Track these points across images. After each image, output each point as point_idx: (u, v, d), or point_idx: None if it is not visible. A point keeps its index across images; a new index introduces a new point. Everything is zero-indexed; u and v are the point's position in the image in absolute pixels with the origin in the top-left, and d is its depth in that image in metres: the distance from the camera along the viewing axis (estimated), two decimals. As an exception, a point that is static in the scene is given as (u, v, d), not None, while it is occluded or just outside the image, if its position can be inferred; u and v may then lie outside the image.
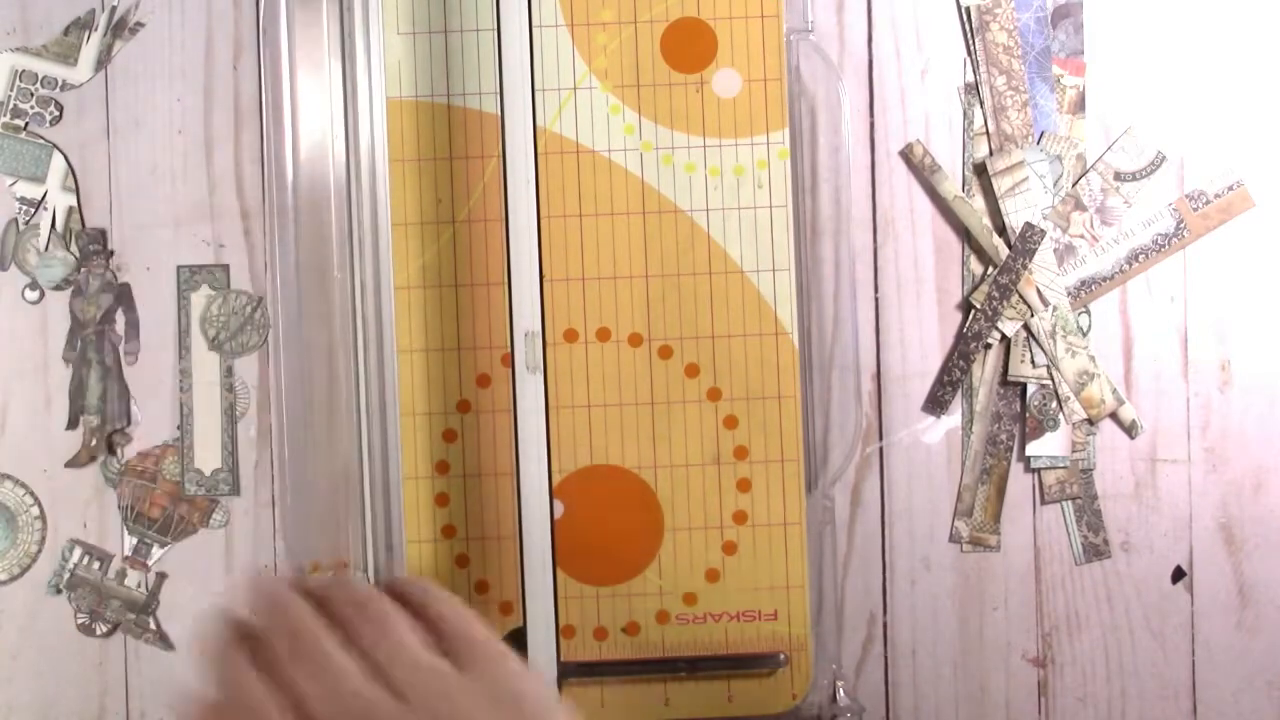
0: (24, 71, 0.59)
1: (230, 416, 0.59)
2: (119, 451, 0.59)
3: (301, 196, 0.57)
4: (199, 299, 0.59)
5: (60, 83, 0.59)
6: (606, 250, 0.58)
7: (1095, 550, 0.60)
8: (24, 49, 0.59)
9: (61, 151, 0.59)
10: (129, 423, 0.59)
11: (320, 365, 0.57)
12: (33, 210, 0.59)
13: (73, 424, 0.59)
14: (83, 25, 0.59)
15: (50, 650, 0.60)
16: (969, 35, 0.60)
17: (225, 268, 0.59)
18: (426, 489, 0.58)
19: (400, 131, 0.58)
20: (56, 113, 0.59)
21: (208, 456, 0.60)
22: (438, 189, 0.58)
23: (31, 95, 0.59)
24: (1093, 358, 0.60)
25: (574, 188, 0.58)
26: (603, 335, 0.58)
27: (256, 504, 0.60)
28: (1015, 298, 0.59)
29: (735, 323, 0.58)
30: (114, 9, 0.60)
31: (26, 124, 0.59)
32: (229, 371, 0.59)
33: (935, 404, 0.60)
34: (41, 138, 0.59)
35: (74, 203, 0.59)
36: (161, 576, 0.60)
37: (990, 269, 0.60)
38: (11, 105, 0.59)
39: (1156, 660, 0.60)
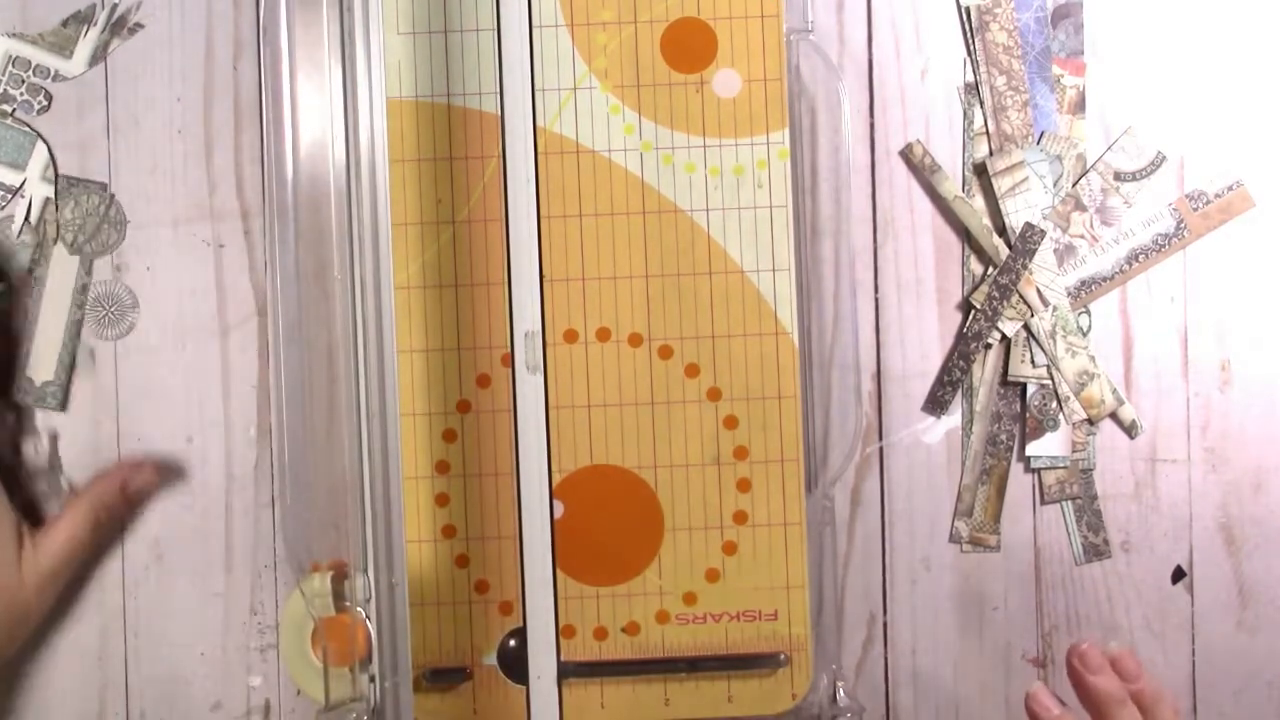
0: (17, 58, 0.59)
1: (75, 332, 0.59)
2: None
3: (301, 196, 0.57)
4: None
5: (53, 73, 0.59)
6: (606, 250, 0.58)
7: (1095, 550, 0.60)
8: (20, 35, 0.59)
9: (45, 142, 0.59)
10: None
11: (320, 365, 0.57)
12: (9, 197, 0.59)
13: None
14: (82, 20, 0.59)
15: (50, 649, 0.60)
16: (969, 35, 0.60)
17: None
18: (426, 489, 0.58)
19: (400, 131, 0.58)
20: (45, 102, 0.59)
21: (41, 366, 0.59)
22: (438, 189, 0.58)
23: (22, 82, 0.59)
24: (1093, 358, 0.60)
25: (574, 188, 0.58)
26: (603, 335, 0.58)
27: (256, 504, 0.60)
28: (1015, 298, 0.59)
29: (735, 323, 0.58)
30: (114, 7, 0.60)
31: (14, 110, 0.59)
32: (83, 290, 0.59)
33: (935, 404, 0.60)
34: (27, 126, 0.59)
35: (51, 194, 0.59)
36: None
37: (990, 269, 0.60)
38: (1, 90, 0.59)
39: (1156, 660, 0.60)
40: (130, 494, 0.58)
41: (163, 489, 0.60)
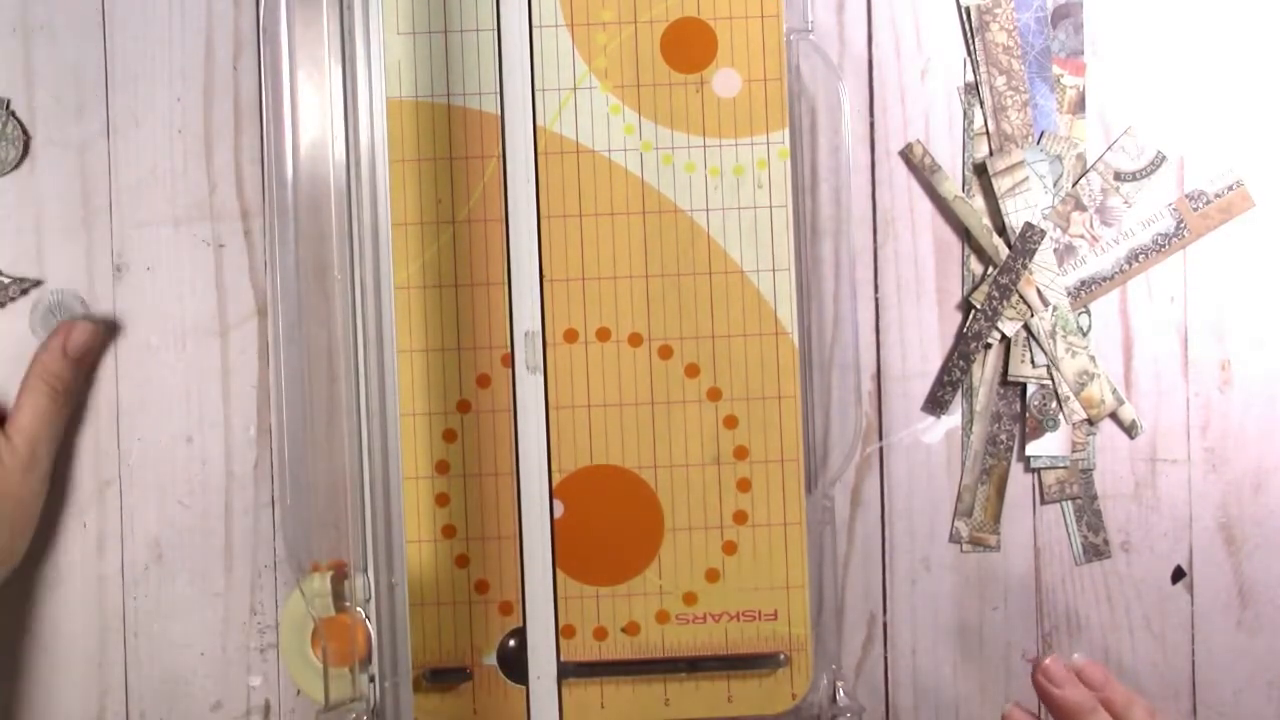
0: None
1: None
2: None
3: (301, 196, 0.57)
4: None
5: None
6: (606, 250, 0.58)
7: (1095, 550, 0.60)
8: None
9: None
10: None
11: (320, 365, 0.57)
12: None
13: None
14: None
15: (50, 650, 0.60)
16: (969, 35, 0.60)
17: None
18: (426, 489, 0.58)
19: (400, 131, 0.58)
20: None
21: None
22: (438, 189, 0.58)
23: None
24: (1093, 358, 0.60)
25: (574, 188, 0.58)
26: (603, 335, 0.58)
27: (256, 504, 0.60)
28: (1015, 298, 0.59)
29: (735, 323, 0.58)
30: None
31: None
32: None
33: (935, 404, 0.60)
34: None
35: None
36: None
37: (990, 269, 0.60)
38: None
39: (1156, 660, 0.60)
40: (73, 354, 0.58)
41: (104, 341, 0.59)
